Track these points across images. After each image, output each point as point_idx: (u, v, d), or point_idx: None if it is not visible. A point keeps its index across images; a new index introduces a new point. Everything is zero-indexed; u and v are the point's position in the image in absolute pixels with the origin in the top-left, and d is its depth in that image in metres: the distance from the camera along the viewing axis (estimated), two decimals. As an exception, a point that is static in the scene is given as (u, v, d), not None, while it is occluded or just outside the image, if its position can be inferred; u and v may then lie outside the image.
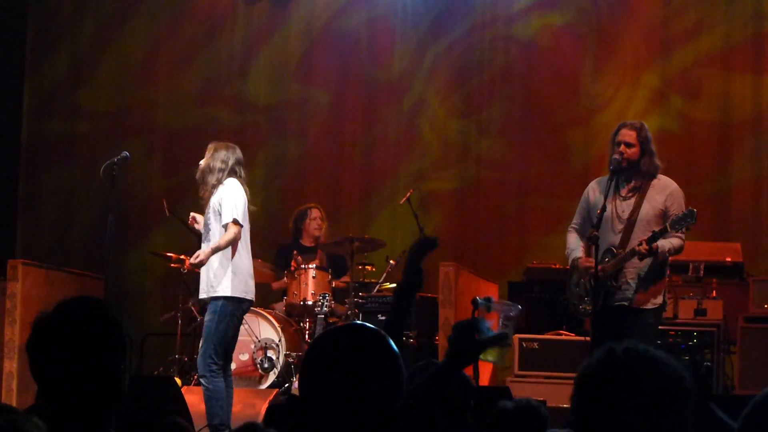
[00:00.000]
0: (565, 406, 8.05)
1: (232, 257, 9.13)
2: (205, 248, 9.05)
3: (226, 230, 9.06)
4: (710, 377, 10.13)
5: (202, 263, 8.96)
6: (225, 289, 9.08)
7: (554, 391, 9.41)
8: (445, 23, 13.79)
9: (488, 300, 4.54)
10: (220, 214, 9.09)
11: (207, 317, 9.05)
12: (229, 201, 9.10)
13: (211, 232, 9.10)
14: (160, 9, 14.50)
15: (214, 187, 9.15)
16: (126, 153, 9.11)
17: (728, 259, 11.25)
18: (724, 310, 10.63)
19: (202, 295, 9.15)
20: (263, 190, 13.59)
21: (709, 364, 10.10)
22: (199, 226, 9.24)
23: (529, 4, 13.54)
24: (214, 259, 9.05)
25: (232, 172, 9.22)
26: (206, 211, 9.19)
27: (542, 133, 13.48)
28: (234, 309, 9.06)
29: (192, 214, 9.36)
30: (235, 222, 9.06)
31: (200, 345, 8.99)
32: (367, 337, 3.04)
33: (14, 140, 14.48)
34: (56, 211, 14.10)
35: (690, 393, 3.02)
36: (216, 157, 9.22)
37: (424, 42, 13.87)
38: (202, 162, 9.24)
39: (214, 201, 9.10)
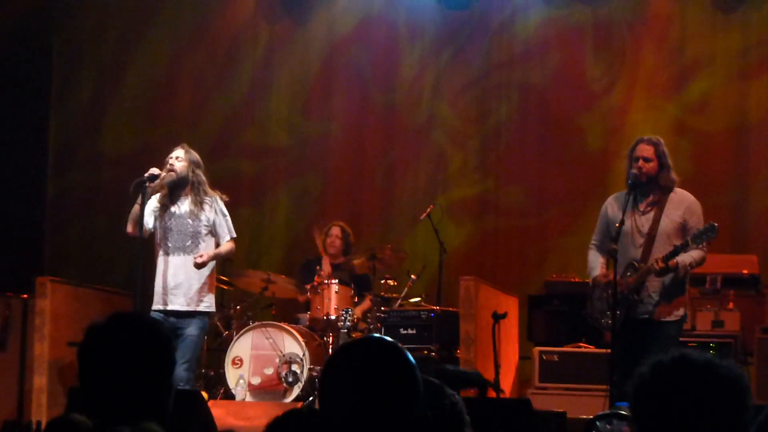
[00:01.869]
0: (584, 417, 8.05)
1: (210, 273, 9.20)
2: (207, 252, 9.03)
3: (227, 245, 9.19)
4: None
5: (204, 264, 8.94)
6: (209, 306, 9.18)
7: (574, 403, 9.39)
8: (457, 45, 13.84)
9: None
10: (212, 228, 9.14)
11: (194, 332, 8.99)
12: (228, 218, 9.23)
13: (200, 243, 9.08)
14: (180, 38, 14.60)
15: (202, 201, 9.14)
16: (154, 170, 9.02)
17: (745, 272, 11.22)
18: (741, 322, 10.62)
19: (180, 307, 9.01)
20: (290, 208, 13.70)
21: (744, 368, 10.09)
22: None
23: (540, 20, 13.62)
24: (200, 274, 9.06)
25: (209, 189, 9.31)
26: (189, 212, 9.12)
27: (559, 146, 13.48)
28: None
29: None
30: (234, 239, 9.21)
31: (185, 357, 8.81)
32: (384, 349, 3.01)
33: (42, 148, 14.62)
34: (83, 228, 14.16)
35: (748, 389, 3.01)
36: (197, 167, 9.22)
37: (434, 59, 13.95)
38: (181, 165, 9.12)
39: (204, 217, 9.10)
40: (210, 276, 9.18)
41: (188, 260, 9.04)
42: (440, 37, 13.94)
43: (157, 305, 8.95)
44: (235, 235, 9.28)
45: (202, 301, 9.10)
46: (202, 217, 9.15)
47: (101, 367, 3.38)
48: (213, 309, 9.30)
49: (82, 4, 14.74)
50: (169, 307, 8.95)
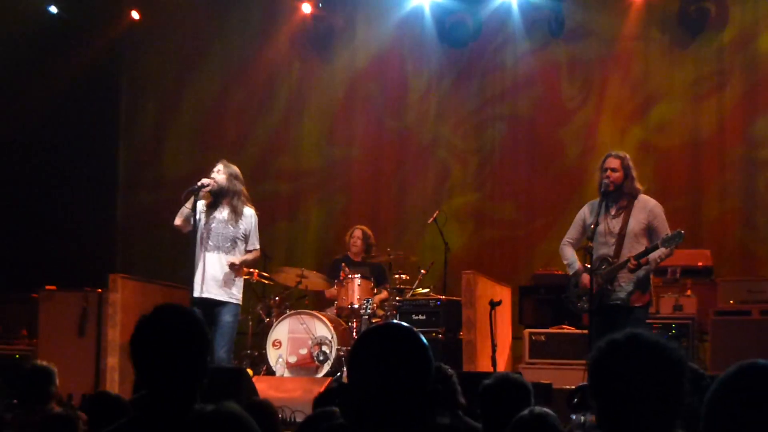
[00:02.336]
0: (567, 387, 8.03)
1: (239, 270, 9.26)
2: (237, 257, 9.11)
3: (251, 253, 9.26)
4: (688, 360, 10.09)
5: (237, 266, 9.03)
6: (238, 297, 9.18)
7: (559, 375, 9.36)
8: (457, 79, 13.83)
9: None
10: (246, 238, 9.20)
11: (229, 318, 9.06)
12: (257, 232, 9.29)
13: (236, 247, 9.14)
14: (227, 74, 14.62)
15: (239, 211, 9.18)
16: (204, 181, 9.05)
17: (700, 264, 11.22)
18: (697, 306, 10.63)
19: (215, 297, 9.05)
20: (319, 220, 13.69)
21: (685, 350, 10.06)
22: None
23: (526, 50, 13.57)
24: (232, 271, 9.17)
25: (246, 198, 9.34)
26: (226, 220, 9.15)
27: (542, 161, 13.46)
28: None
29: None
30: (257, 250, 9.33)
31: (224, 341, 8.93)
32: (402, 333, 3.00)
33: (112, 171, 14.64)
34: (148, 236, 14.14)
35: (686, 367, 3.04)
36: (235, 178, 9.24)
37: (436, 88, 13.93)
38: (221, 176, 9.15)
39: (243, 227, 9.17)
40: (239, 272, 9.22)
41: (224, 258, 9.08)
42: (441, 70, 13.95)
43: (195, 293, 8.93)
44: (258, 248, 9.36)
45: (232, 292, 9.12)
46: (241, 227, 9.17)
47: (149, 350, 3.41)
48: (240, 300, 9.28)
49: (145, 46, 14.77)
50: (205, 295, 8.93)
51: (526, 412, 4.31)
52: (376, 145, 14.11)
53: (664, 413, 2.98)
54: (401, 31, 13.86)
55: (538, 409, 4.30)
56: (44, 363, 6.36)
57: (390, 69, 14.10)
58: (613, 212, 8.46)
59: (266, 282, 10.98)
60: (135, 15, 14.28)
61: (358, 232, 11.60)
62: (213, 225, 9.14)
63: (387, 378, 2.90)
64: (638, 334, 3.07)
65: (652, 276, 8.73)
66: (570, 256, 8.66)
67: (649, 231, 8.33)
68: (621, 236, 8.38)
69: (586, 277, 8.39)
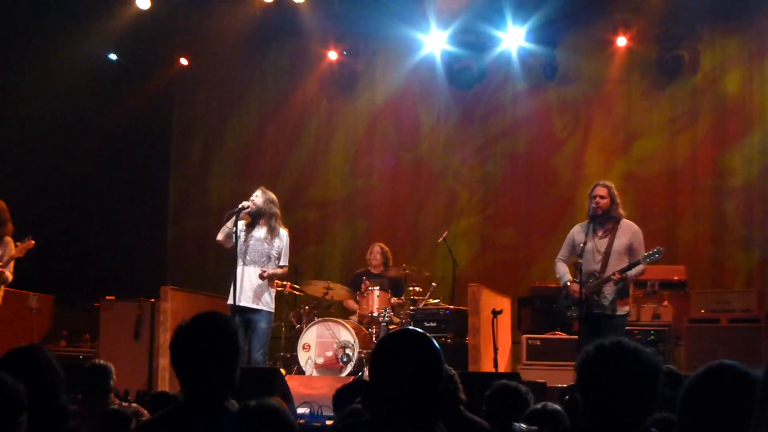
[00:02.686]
0: (560, 385, 8.03)
1: (270, 282, 9.24)
2: (271, 270, 9.09)
3: (281, 268, 9.24)
4: (664, 363, 10.03)
5: (267, 278, 9.02)
6: (270, 305, 9.16)
7: (553, 375, 9.33)
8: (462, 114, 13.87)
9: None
10: (279, 255, 9.19)
11: (264, 325, 9.05)
12: (288, 250, 9.28)
13: (270, 262, 9.12)
14: (264, 113, 14.64)
15: (275, 231, 9.19)
16: (244, 203, 9.07)
17: (676, 278, 11.22)
18: (673, 315, 10.64)
19: (250, 305, 9.03)
20: (344, 243, 13.68)
21: (663, 354, 10.04)
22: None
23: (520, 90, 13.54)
24: (264, 283, 9.11)
25: (281, 220, 9.34)
26: (263, 238, 9.16)
27: (538, 189, 13.42)
28: None
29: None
30: (287, 267, 9.32)
31: (260, 345, 8.92)
32: (417, 338, 3.03)
33: (164, 199, 14.68)
34: (196, 251, 14.16)
35: (660, 370, 3.07)
36: (272, 203, 9.24)
37: (444, 124, 13.89)
38: (259, 200, 9.18)
39: (276, 245, 9.17)
40: (270, 283, 9.20)
41: (255, 274, 9.08)
42: (449, 109, 13.92)
43: (230, 301, 8.93)
44: (287, 264, 9.33)
45: (265, 301, 9.11)
46: (275, 245, 9.17)
47: (184, 353, 3.42)
48: (273, 308, 9.26)
49: (192, 89, 14.83)
50: (241, 304, 8.92)
51: (539, 405, 4.30)
52: (393, 174, 14.09)
53: (641, 406, 3.01)
54: (414, 75, 13.87)
55: (550, 405, 4.30)
56: (102, 361, 6.36)
57: (404, 108, 14.10)
58: (600, 233, 8.49)
59: (297, 293, 10.98)
60: (184, 61, 14.39)
61: (377, 248, 11.61)
62: (251, 242, 9.14)
63: (404, 377, 2.90)
64: (621, 341, 3.10)
65: (632, 288, 8.76)
66: (562, 270, 8.67)
67: (630, 250, 8.37)
68: (607, 254, 8.40)
69: (575, 287, 8.43)
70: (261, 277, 9.00)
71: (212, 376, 3.37)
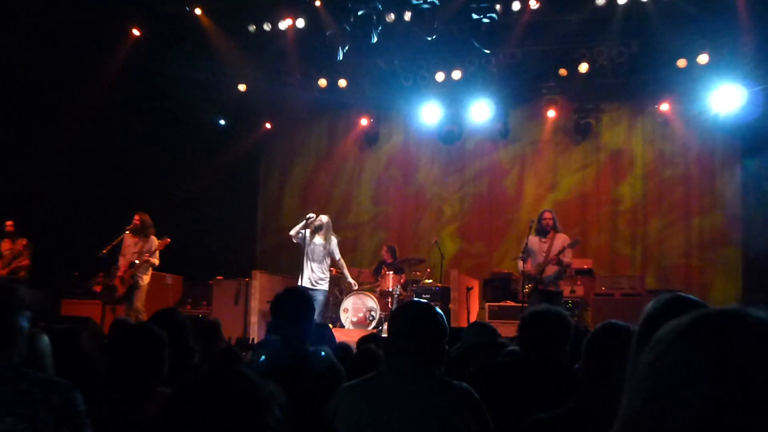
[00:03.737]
0: (510, 336, 8.08)
1: (325, 269, 9.21)
2: (324, 265, 9.07)
3: (338, 260, 9.26)
4: (578, 324, 10.02)
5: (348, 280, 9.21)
6: (326, 288, 9.20)
7: (504, 329, 9.07)
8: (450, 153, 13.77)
9: None
10: (331, 254, 9.18)
11: (321, 298, 8.94)
12: (337, 250, 9.30)
13: (325, 260, 9.07)
14: (318, 158, 14.27)
15: (328, 239, 9.15)
16: (311, 214, 9.01)
17: (586, 267, 11.08)
18: (584, 291, 10.46)
19: (313, 287, 8.89)
20: (370, 252, 13.64)
21: (576, 317, 10.09)
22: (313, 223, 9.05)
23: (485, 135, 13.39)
24: (323, 269, 9.10)
25: (332, 231, 9.34)
26: (321, 244, 9.02)
27: (497, 207, 13.18)
28: None
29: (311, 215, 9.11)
30: (341, 258, 9.34)
31: (318, 312, 8.52)
32: (424, 306, 2.76)
33: (254, 221, 14.47)
34: (275, 252, 13.81)
35: (570, 324, 3.09)
36: (327, 222, 9.27)
37: (433, 166, 13.56)
38: (322, 219, 9.14)
39: (330, 246, 9.12)
40: (327, 270, 9.19)
41: (316, 266, 9.04)
42: (438, 156, 13.50)
43: (300, 283, 8.95)
44: (340, 257, 9.35)
45: (322, 285, 9.13)
46: (329, 248, 9.16)
47: (283, 308, 3.34)
48: (327, 289, 9.23)
49: (273, 144, 14.28)
50: (306, 285, 8.94)
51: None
52: (401, 200, 13.70)
53: (560, 344, 3.05)
54: (417, 135, 13.55)
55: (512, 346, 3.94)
56: (214, 318, 6.38)
57: (409, 156, 13.71)
58: (544, 240, 8.66)
59: (340, 276, 11.10)
60: (268, 125, 14.20)
61: (385, 248, 11.43)
62: (312, 246, 9.13)
63: (413, 332, 2.66)
64: (549, 308, 3.12)
65: (569, 273, 8.90)
66: (520, 264, 8.71)
67: (562, 249, 8.45)
68: (548, 252, 8.57)
69: (528, 266, 8.47)
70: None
71: (297, 324, 3.30)
